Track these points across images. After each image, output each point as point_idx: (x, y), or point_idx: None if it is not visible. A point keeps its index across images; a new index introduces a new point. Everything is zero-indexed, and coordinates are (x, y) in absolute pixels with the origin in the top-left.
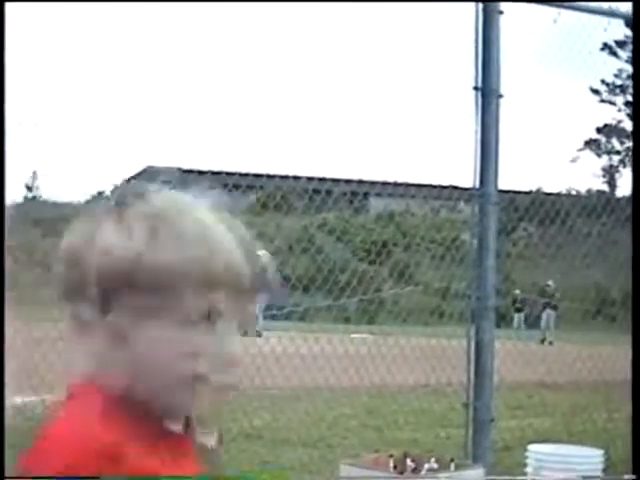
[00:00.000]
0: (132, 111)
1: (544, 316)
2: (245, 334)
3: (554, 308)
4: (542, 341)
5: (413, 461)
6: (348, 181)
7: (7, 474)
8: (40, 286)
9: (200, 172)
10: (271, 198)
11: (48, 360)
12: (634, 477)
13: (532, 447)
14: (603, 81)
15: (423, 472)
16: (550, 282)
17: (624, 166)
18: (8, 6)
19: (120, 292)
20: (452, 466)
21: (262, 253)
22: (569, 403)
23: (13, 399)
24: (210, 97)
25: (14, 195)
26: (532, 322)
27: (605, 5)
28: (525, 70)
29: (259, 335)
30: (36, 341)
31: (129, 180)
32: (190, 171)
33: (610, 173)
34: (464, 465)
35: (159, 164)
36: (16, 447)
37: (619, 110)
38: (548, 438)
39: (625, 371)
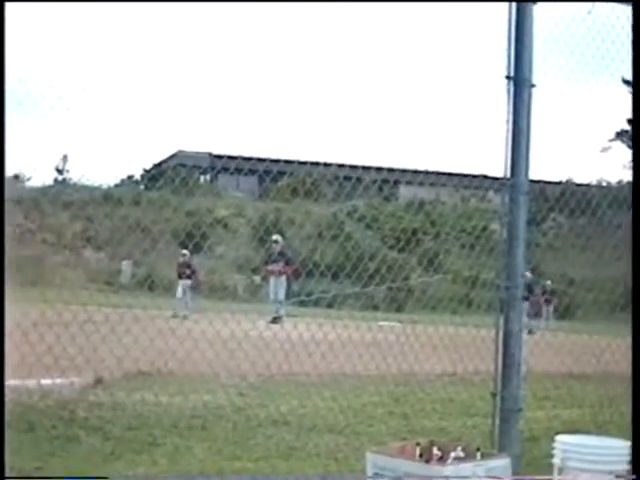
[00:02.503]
0: (164, 95)
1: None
2: (274, 321)
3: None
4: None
5: (439, 450)
6: (379, 169)
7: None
8: (69, 269)
9: (230, 157)
10: (301, 184)
11: (77, 343)
12: (634, 477)
13: (559, 438)
14: None
15: (449, 461)
16: (527, 273)
17: None
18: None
19: None
20: (478, 455)
21: (276, 237)
22: (597, 394)
23: (41, 381)
24: (243, 82)
25: (44, 178)
26: (562, 313)
27: None
28: (557, 60)
29: (280, 318)
30: (65, 324)
31: (160, 164)
32: (221, 156)
33: None
34: (490, 454)
35: (190, 149)
36: (43, 428)
37: None
38: (575, 429)
39: None
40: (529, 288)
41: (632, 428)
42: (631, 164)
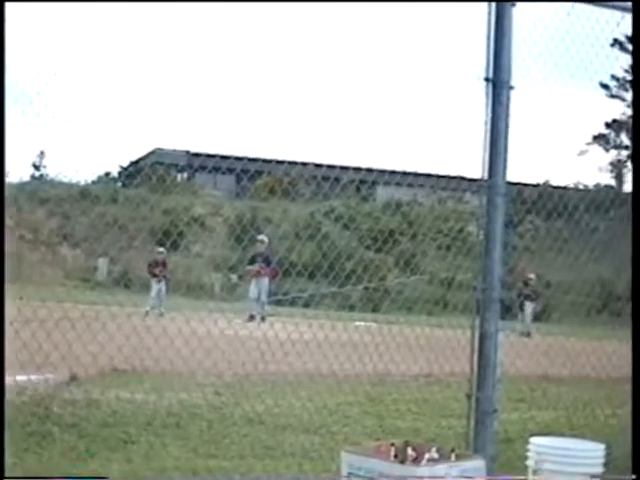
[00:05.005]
0: (141, 92)
1: (524, 308)
2: (251, 319)
3: (532, 300)
4: (522, 334)
5: (414, 450)
6: (356, 169)
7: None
8: (45, 265)
9: (208, 156)
10: (279, 184)
11: (52, 339)
12: (634, 477)
13: (534, 440)
14: (613, 76)
15: (424, 462)
16: (532, 275)
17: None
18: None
19: None
20: (453, 456)
21: (262, 237)
22: (572, 397)
23: (16, 377)
24: (221, 81)
25: (21, 174)
26: (539, 315)
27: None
28: (536, 62)
29: (263, 320)
30: (40, 320)
31: (137, 162)
32: (198, 154)
33: (618, 168)
34: (465, 455)
35: (167, 146)
36: (18, 424)
37: (628, 105)
38: (550, 431)
39: (629, 367)
40: (535, 291)
41: (632, 428)
42: (630, 165)
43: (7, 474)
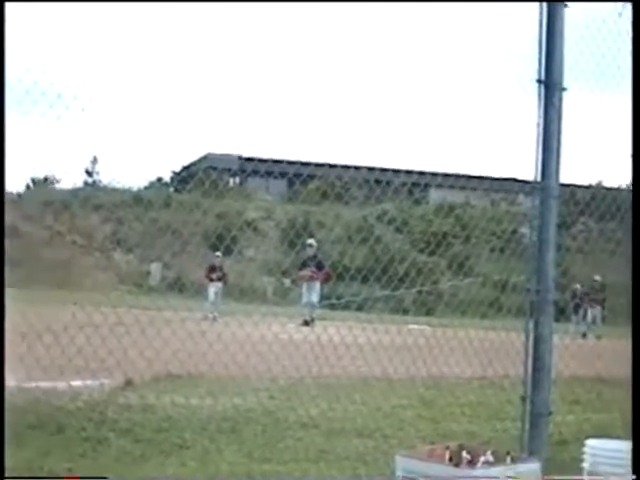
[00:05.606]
0: (193, 97)
1: (589, 311)
2: (305, 324)
3: (596, 302)
4: (584, 335)
5: (469, 453)
6: (409, 172)
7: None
8: (99, 271)
9: (260, 160)
10: (331, 187)
11: (107, 345)
12: (634, 477)
13: (589, 442)
14: None
15: (479, 465)
16: (598, 277)
17: None
18: None
19: None
20: (508, 459)
21: (311, 241)
22: (627, 399)
23: (71, 383)
24: (273, 84)
25: (74, 180)
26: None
27: None
28: (589, 64)
29: (312, 321)
30: (95, 326)
31: (189, 167)
32: (250, 159)
33: None
34: (520, 458)
35: (219, 151)
36: (73, 430)
37: None
38: (605, 433)
39: None
40: (600, 293)
41: (632, 428)
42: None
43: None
